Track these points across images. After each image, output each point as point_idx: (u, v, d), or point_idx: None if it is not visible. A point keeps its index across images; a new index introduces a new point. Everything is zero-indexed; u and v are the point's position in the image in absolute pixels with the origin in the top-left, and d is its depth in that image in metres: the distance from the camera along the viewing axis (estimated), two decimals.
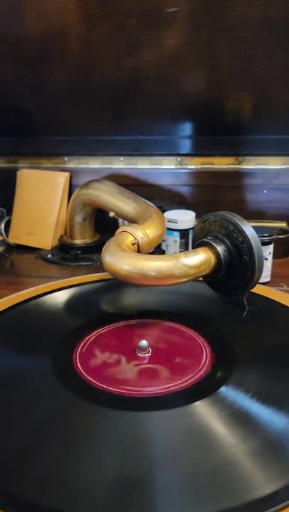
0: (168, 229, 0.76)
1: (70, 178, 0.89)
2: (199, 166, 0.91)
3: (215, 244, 0.54)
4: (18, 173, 0.92)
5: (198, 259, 0.53)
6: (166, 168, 0.92)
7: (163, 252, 0.80)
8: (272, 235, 0.69)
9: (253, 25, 0.75)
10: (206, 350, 0.49)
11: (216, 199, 0.89)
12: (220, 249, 0.54)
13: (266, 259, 0.68)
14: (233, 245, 0.54)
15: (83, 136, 0.93)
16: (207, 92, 0.85)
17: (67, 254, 0.83)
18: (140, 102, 0.88)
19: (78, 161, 0.94)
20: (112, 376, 0.45)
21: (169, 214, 0.77)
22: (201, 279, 0.57)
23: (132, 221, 0.68)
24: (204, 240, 0.56)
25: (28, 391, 0.43)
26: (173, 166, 0.92)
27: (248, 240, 0.52)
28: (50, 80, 0.87)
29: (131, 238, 0.59)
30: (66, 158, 0.95)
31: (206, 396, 0.41)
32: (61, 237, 0.88)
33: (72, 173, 0.89)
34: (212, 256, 0.54)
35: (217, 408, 0.40)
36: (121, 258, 0.52)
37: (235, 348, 0.49)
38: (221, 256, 0.54)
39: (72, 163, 0.95)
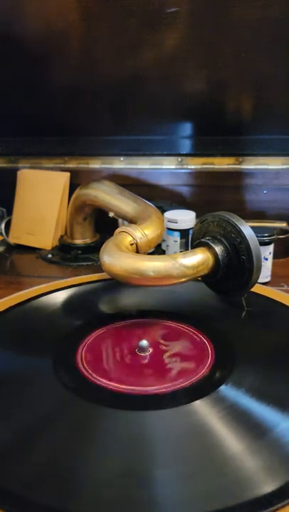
0: (168, 229, 0.76)
1: (71, 178, 0.89)
2: (200, 166, 0.91)
3: (213, 245, 0.54)
4: (19, 173, 0.92)
5: (196, 259, 0.53)
6: (166, 168, 0.92)
7: (163, 252, 0.80)
8: (273, 235, 0.69)
9: (253, 26, 0.75)
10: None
11: (216, 199, 0.89)
12: (218, 249, 0.54)
13: (266, 259, 0.68)
14: (231, 246, 0.54)
15: (83, 136, 0.93)
16: (207, 92, 0.85)
17: (68, 254, 0.83)
18: (140, 102, 0.88)
19: (78, 161, 0.94)
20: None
21: (169, 214, 0.77)
22: (199, 279, 0.57)
23: (132, 221, 0.68)
24: (202, 240, 0.56)
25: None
26: (173, 166, 0.92)
27: (246, 240, 0.52)
28: (50, 80, 0.87)
29: (129, 238, 0.59)
30: (66, 158, 0.95)
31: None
32: (61, 237, 0.88)
33: (73, 173, 0.89)
34: (210, 256, 0.54)
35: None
36: (119, 258, 0.52)
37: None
38: (219, 256, 0.54)
39: (73, 163, 0.95)
